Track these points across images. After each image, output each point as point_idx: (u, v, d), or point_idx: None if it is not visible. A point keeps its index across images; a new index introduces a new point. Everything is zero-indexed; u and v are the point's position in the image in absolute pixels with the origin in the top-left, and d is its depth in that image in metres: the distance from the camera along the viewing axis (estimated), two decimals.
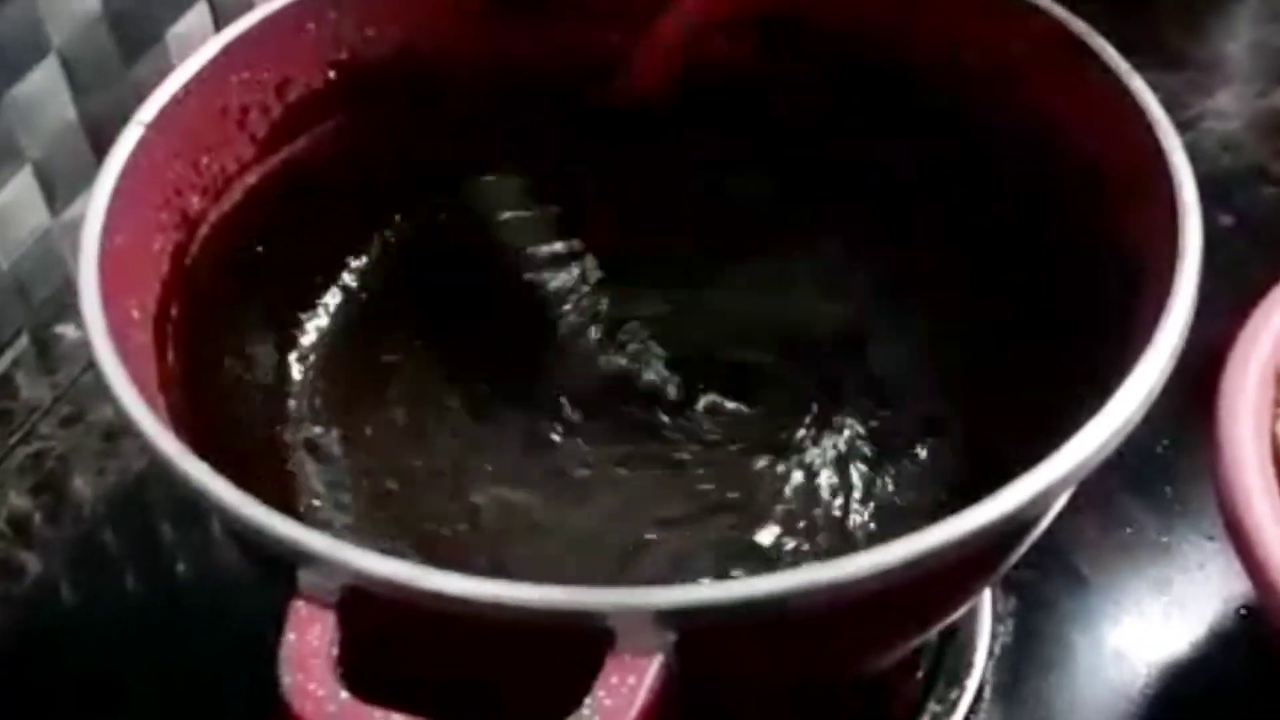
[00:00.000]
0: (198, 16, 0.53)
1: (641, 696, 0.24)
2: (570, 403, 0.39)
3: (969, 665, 0.40)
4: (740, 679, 0.28)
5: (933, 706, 0.39)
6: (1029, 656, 0.40)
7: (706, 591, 0.24)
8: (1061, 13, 0.36)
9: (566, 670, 0.24)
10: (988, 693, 0.40)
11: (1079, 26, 0.35)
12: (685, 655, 0.25)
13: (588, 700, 0.23)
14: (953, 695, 0.39)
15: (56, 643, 0.42)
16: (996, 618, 0.41)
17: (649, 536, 0.35)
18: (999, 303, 0.38)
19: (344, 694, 0.23)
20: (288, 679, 0.23)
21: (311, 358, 0.39)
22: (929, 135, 0.39)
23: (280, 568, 0.25)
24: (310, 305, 0.40)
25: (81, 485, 0.46)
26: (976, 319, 0.38)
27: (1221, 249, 0.51)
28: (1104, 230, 0.34)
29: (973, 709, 0.39)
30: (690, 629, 0.25)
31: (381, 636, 0.26)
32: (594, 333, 0.41)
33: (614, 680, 0.24)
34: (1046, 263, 0.36)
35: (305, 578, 0.25)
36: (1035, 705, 0.40)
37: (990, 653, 0.40)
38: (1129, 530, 0.43)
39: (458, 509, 0.36)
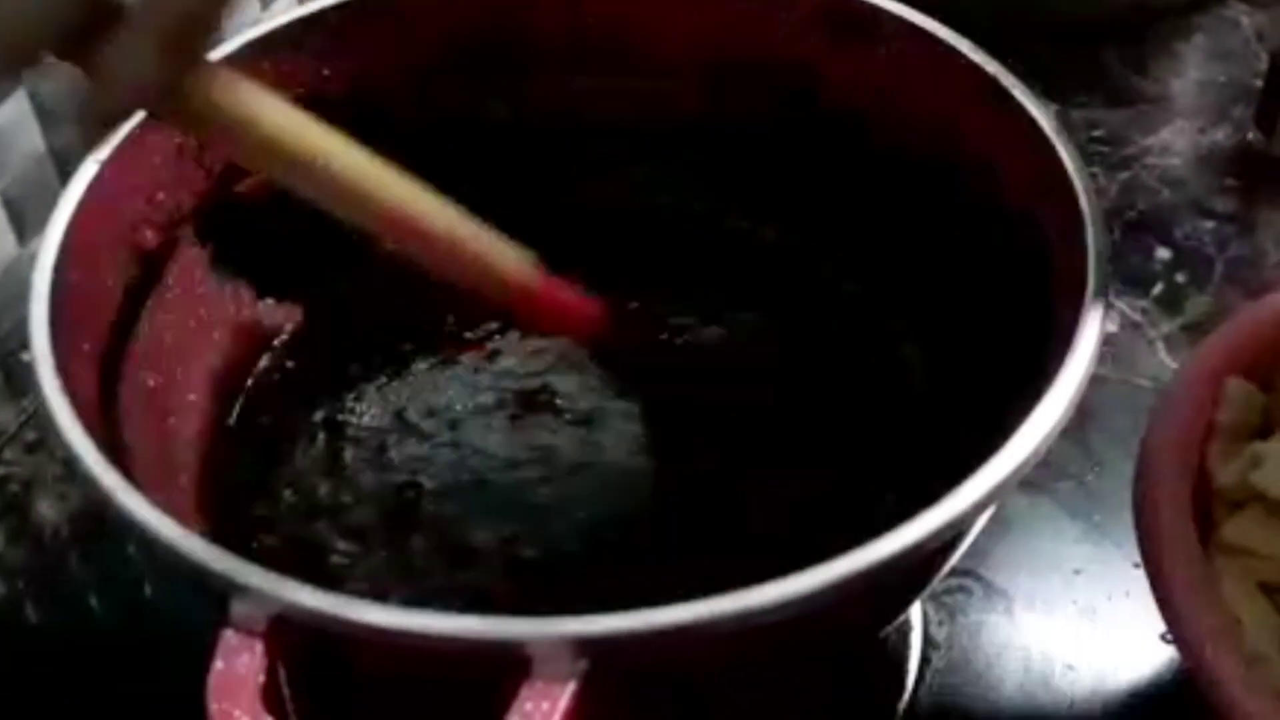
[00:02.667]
0: None
1: None
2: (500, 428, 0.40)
3: (899, 686, 0.41)
4: (659, 705, 0.30)
5: None
6: (958, 677, 0.41)
7: (618, 620, 0.26)
8: (980, 57, 0.37)
9: (488, 697, 0.25)
10: (917, 712, 0.41)
11: (995, 69, 0.37)
12: (602, 681, 0.26)
13: None
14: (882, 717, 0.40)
15: (19, 666, 0.43)
16: (926, 640, 0.42)
17: (586, 556, 0.36)
18: (928, 329, 0.39)
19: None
20: (214, 706, 0.25)
21: (254, 395, 0.40)
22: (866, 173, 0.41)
23: (213, 598, 0.26)
24: (255, 345, 0.42)
25: (45, 510, 0.47)
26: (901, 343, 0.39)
27: (1160, 281, 0.54)
28: (1021, 273, 0.35)
29: None
30: (604, 656, 0.26)
31: (311, 664, 0.27)
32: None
33: (528, 707, 0.25)
34: (969, 307, 0.38)
35: (236, 607, 0.26)
36: None
37: (920, 675, 0.41)
38: (1059, 556, 0.44)
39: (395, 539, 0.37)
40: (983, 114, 0.37)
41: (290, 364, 0.42)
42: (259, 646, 0.25)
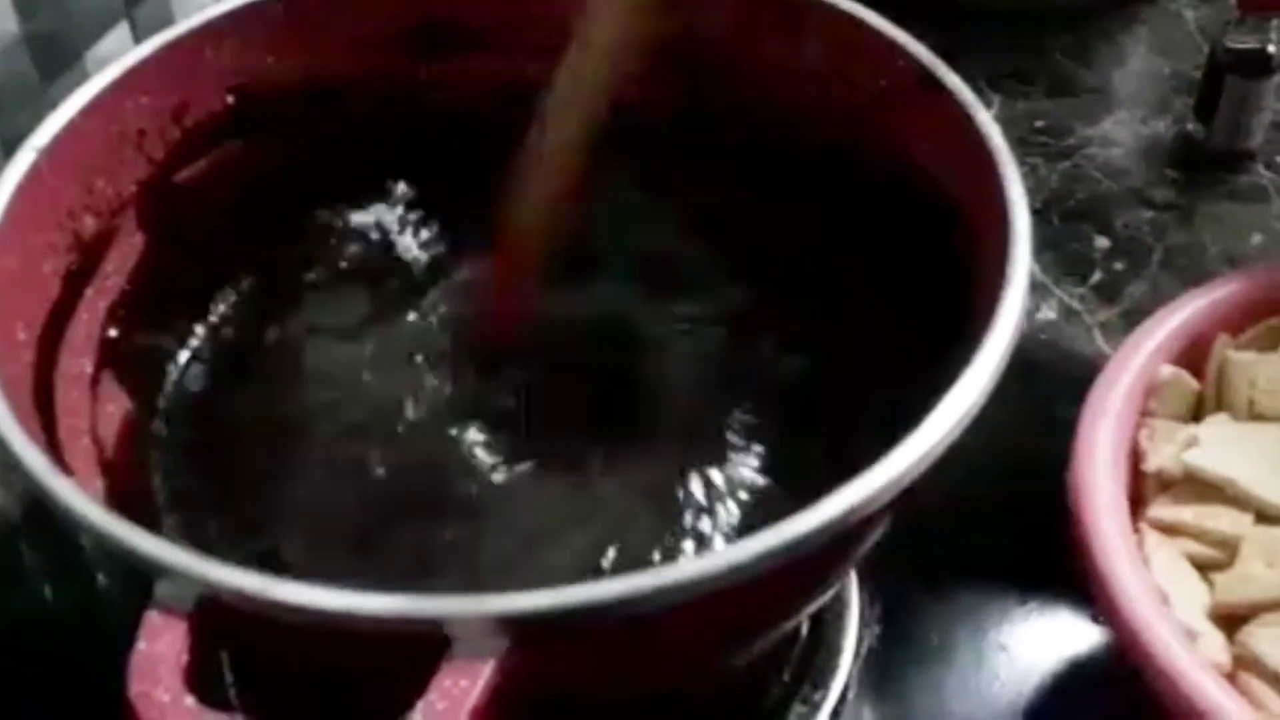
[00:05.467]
0: (118, 39, 0.54)
1: (472, 699, 0.25)
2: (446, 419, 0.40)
3: (834, 668, 0.41)
4: (584, 683, 0.30)
5: (798, 708, 0.40)
6: (895, 658, 0.42)
7: (537, 598, 0.26)
8: (916, 47, 0.38)
9: (412, 674, 0.26)
10: (852, 694, 0.41)
11: (929, 59, 0.37)
12: (524, 659, 0.26)
13: (419, 703, 0.25)
14: (817, 697, 0.41)
15: None
16: (863, 621, 0.42)
17: (523, 545, 0.37)
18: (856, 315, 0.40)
19: (190, 700, 0.25)
20: (135, 687, 0.25)
21: (185, 377, 0.41)
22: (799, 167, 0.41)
23: (139, 580, 0.27)
24: (187, 329, 0.42)
25: None
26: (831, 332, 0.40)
27: (1098, 270, 0.54)
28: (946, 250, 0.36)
29: (837, 710, 0.41)
30: (524, 634, 0.26)
31: (239, 643, 0.27)
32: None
33: (447, 684, 0.25)
34: (885, 296, 0.38)
35: (160, 589, 0.26)
36: (900, 705, 0.41)
37: (856, 654, 0.42)
38: (994, 536, 0.45)
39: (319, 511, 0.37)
40: (909, 100, 0.37)
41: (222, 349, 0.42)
42: (183, 627, 0.26)
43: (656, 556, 0.35)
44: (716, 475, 0.38)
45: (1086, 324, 0.52)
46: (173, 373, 0.41)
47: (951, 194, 0.36)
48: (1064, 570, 0.42)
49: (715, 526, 0.36)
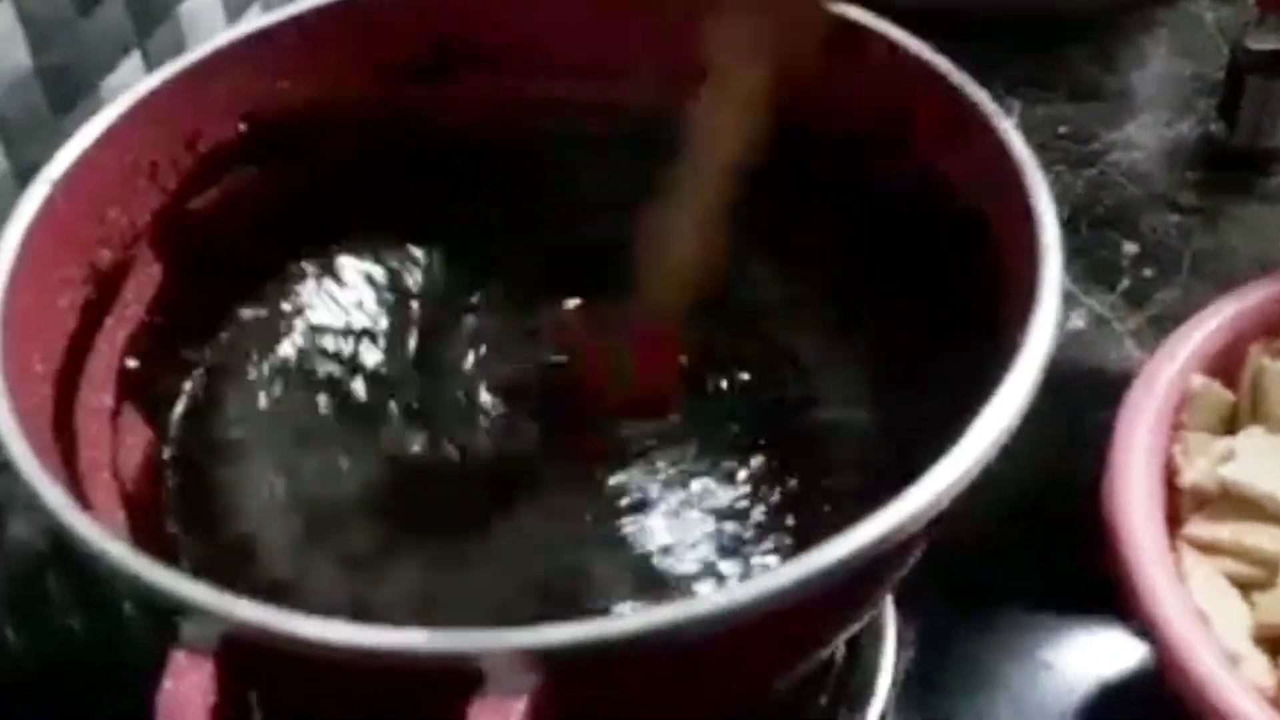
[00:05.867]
0: (131, 69, 0.54)
1: None
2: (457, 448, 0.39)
3: (872, 692, 0.41)
4: (620, 715, 0.29)
5: None
6: (932, 680, 0.41)
7: (570, 631, 0.25)
8: (939, 60, 0.37)
9: (441, 712, 0.25)
10: (890, 718, 0.41)
11: (950, 70, 0.36)
12: (558, 694, 0.26)
13: None
14: None
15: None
16: (900, 643, 0.42)
17: (549, 572, 0.36)
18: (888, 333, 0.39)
19: None
20: None
21: (198, 413, 0.40)
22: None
23: (163, 618, 0.26)
24: (202, 358, 0.41)
25: (19, 529, 0.46)
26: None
27: (1126, 276, 0.54)
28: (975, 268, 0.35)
29: None
30: (560, 669, 0.26)
31: (265, 683, 0.27)
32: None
33: None
34: (914, 314, 0.38)
35: (186, 627, 0.26)
36: None
37: (893, 678, 0.41)
38: (1028, 553, 0.44)
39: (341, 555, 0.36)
40: (930, 110, 0.36)
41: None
42: (209, 667, 0.25)
43: (691, 585, 0.35)
44: (746, 500, 0.37)
45: (1117, 332, 0.51)
46: (187, 402, 0.40)
47: (978, 207, 0.36)
48: (1101, 586, 0.41)
49: (750, 553, 0.36)
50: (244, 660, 0.26)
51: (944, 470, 0.28)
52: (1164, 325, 0.50)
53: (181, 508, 0.37)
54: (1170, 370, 0.39)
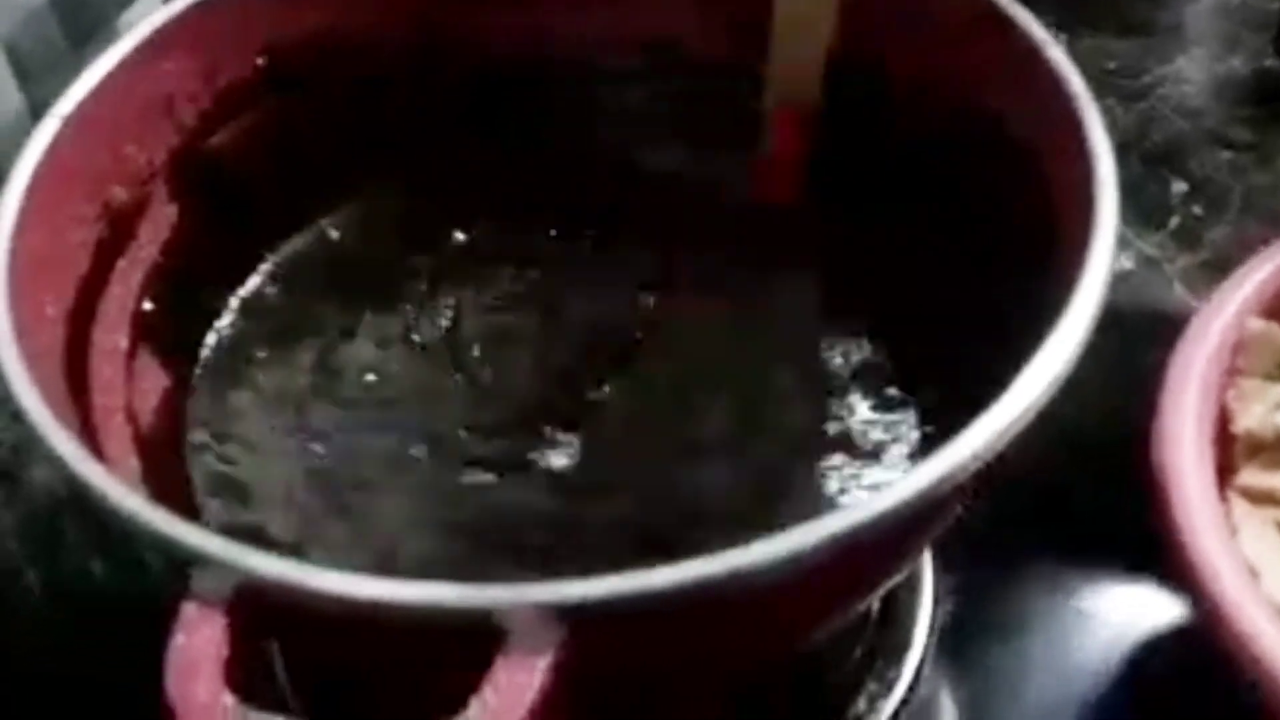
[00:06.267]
0: (149, 3, 0.52)
1: (531, 695, 0.23)
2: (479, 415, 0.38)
3: (908, 643, 0.40)
4: (648, 670, 0.28)
5: (871, 686, 0.39)
6: (971, 631, 0.40)
7: (595, 585, 0.24)
8: None
9: (463, 668, 0.24)
10: (928, 669, 0.39)
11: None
12: (583, 650, 0.25)
13: (474, 700, 0.23)
14: (891, 674, 0.39)
15: (23, 633, 0.43)
16: (936, 594, 0.41)
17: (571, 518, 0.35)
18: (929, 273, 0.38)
19: (229, 699, 0.23)
20: (174, 684, 0.23)
21: (219, 358, 0.39)
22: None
23: (174, 569, 0.25)
24: (225, 301, 0.40)
25: (37, 474, 0.46)
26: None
27: (1176, 215, 0.52)
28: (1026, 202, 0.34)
29: (912, 686, 0.39)
30: (582, 624, 0.24)
31: (282, 636, 0.26)
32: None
33: (502, 679, 0.24)
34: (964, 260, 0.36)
35: (197, 579, 0.25)
36: (977, 681, 0.39)
37: (930, 628, 0.40)
38: (1071, 501, 0.43)
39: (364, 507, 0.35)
40: (977, 39, 0.35)
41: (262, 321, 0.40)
42: (221, 621, 0.24)
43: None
44: (786, 439, 0.36)
45: (1166, 273, 0.50)
46: (210, 346, 0.39)
47: (1027, 141, 0.34)
48: (1143, 536, 0.40)
49: (791, 501, 0.34)
50: (260, 614, 0.25)
51: (996, 415, 0.26)
52: (1214, 267, 0.49)
53: (201, 455, 0.36)
54: (1226, 312, 0.38)
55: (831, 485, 0.35)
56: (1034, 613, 0.41)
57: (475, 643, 0.24)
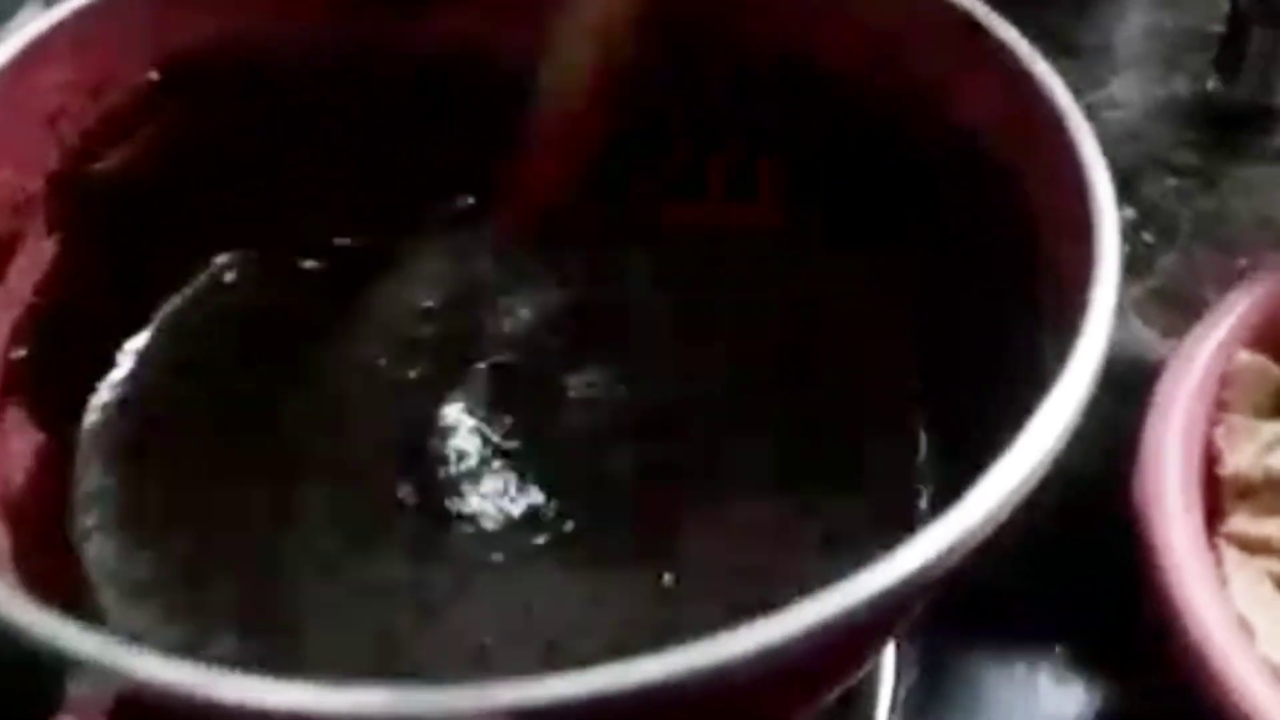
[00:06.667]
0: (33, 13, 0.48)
1: None
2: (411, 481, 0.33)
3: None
4: None
5: None
6: (935, 706, 0.37)
7: (564, 685, 0.20)
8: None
9: None
10: None
11: (982, 12, 0.32)
12: None
13: None
14: None
15: None
16: (899, 663, 0.37)
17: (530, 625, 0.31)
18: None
19: None
20: None
21: (109, 421, 0.34)
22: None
23: (46, 674, 0.21)
24: (114, 349, 0.36)
25: None
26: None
27: (1127, 242, 0.49)
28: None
29: None
30: None
31: None
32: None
33: None
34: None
35: (74, 686, 0.21)
36: None
37: (893, 705, 0.37)
38: (1034, 565, 0.40)
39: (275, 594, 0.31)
40: (951, 51, 0.32)
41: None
42: None
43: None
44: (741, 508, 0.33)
45: (1120, 304, 0.47)
46: (97, 408, 0.35)
47: (1007, 162, 0.31)
48: (1113, 597, 0.37)
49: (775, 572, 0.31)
50: None
51: (998, 479, 0.23)
52: (1167, 295, 0.47)
53: (84, 531, 0.31)
54: (1209, 346, 0.35)
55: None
56: (1000, 684, 0.38)
57: None
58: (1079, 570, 0.38)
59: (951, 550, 0.23)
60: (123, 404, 0.34)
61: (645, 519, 0.32)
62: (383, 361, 0.36)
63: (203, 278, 0.37)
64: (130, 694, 0.20)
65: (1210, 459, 0.34)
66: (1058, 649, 0.38)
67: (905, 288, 0.34)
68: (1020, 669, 0.38)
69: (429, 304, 0.37)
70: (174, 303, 0.37)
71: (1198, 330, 0.36)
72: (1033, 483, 0.24)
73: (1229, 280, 0.41)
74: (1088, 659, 0.38)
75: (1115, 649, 0.37)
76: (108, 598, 0.30)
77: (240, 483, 0.33)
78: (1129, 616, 0.37)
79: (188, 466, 0.33)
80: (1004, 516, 0.24)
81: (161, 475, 0.33)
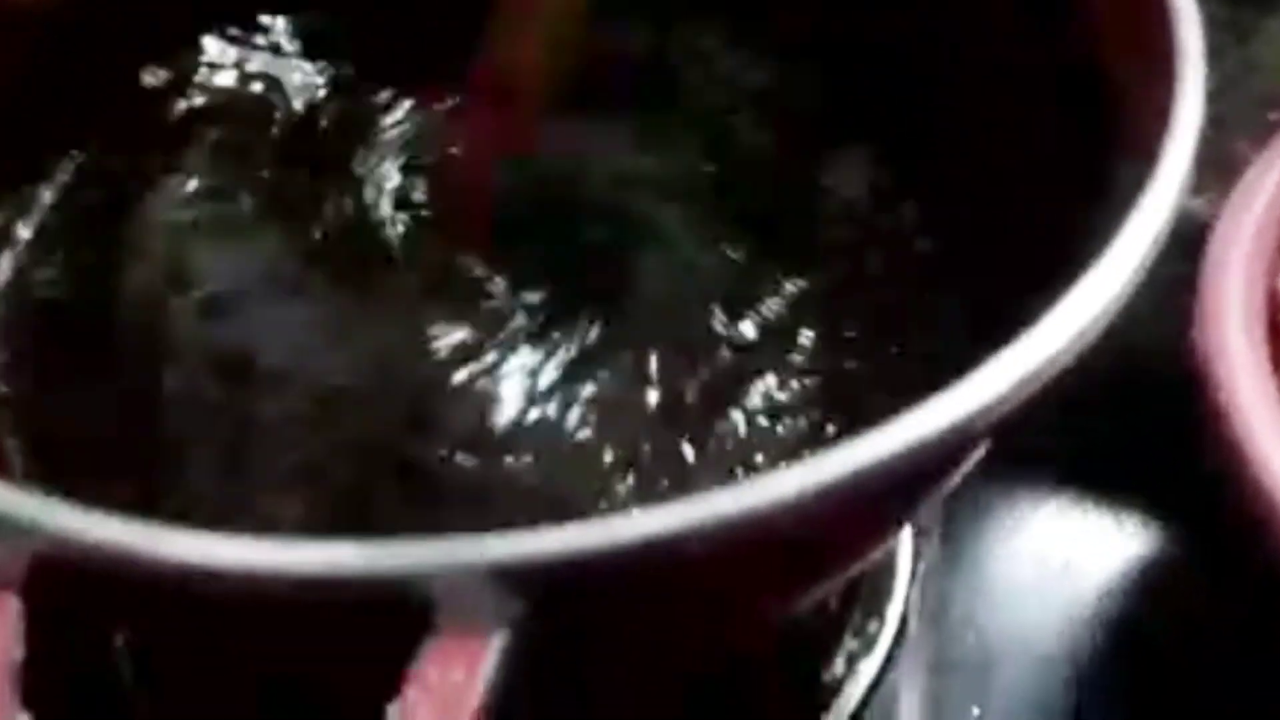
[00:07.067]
0: None
1: (473, 696, 0.16)
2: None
3: (889, 591, 0.33)
4: (606, 649, 0.21)
5: (849, 644, 0.32)
6: (958, 575, 0.35)
7: (567, 537, 0.17)
8: None
9: (379, 659, 0.17)
10: (913, 623, 0.33)
11: None
12: (538, 629, 0.17)
13: (392, 708, 0.16)
14: (871, 628, 0.33)
15: None
16: (919, 532, 0.34)
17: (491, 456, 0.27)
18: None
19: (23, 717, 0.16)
20: None
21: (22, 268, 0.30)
22: None
23: None
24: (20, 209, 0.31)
25: None
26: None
27: None
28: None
29: (896, 642, 0.33)
30: (545, 593, 0.17)
31: (111, 621, 0.18)
32: None
33: (432, 675, 0.16)
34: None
35: None
36: (969, 633, 0.34)
37: (913, 574, 0.34)
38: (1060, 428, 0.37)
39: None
40: None
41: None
42: (12, 606, 0.16)
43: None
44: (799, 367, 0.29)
45: None
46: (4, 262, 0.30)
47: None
48: (1136, 465, 0.36)
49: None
50: (72, 596, 0.17)
51: (1047, 333, 0.20)
52: (1198, 151, 0.44)
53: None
54: (1264, 194, 0.32)
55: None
56: (1025, 551, 0.36)
57: (391, 627, 0.17)
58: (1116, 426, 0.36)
59: (1035, 376, 0.19)
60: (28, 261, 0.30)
61: None
62: None
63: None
64: (51, 559, 0.17)
65: (1274, 308, 0.31)
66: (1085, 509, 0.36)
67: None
68: (1046, 532, 0.36)
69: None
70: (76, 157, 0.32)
71: (1248, 179, 0.33)
72: (1115, 309, 0.21)
73: (1261, 133, 0.38)
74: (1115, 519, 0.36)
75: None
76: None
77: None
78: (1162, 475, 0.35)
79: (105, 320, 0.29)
80: (1088, 340, 0.20)
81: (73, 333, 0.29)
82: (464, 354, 0.28)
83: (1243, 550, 0.29)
